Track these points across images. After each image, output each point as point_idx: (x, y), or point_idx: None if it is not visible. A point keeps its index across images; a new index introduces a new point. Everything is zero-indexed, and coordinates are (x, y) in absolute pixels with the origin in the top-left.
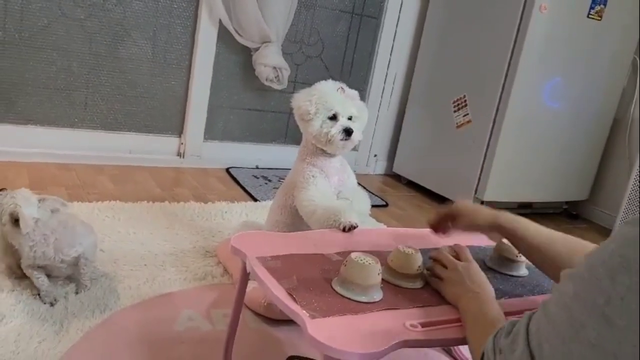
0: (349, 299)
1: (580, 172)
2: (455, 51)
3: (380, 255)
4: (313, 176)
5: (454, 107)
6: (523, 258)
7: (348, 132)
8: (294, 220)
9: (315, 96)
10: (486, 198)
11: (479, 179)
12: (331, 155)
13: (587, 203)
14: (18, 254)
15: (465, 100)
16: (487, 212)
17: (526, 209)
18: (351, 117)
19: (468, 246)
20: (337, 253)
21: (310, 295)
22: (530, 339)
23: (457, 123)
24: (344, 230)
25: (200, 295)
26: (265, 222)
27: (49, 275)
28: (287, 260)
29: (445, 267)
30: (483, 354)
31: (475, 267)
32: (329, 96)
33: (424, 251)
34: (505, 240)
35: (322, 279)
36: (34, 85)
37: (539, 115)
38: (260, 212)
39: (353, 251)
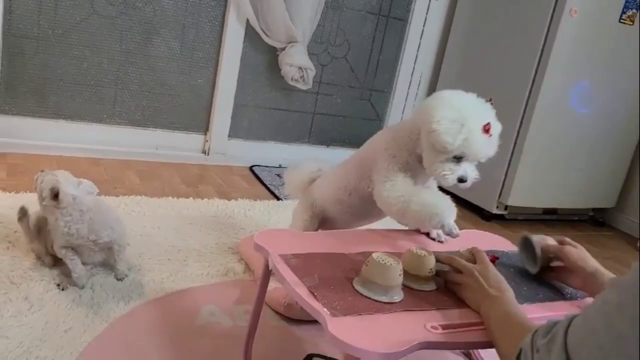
0: (370, 298)
1: (608, 179)
2: (482, 54)
3: (399, 257)
4: (400, 171)
5: None
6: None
7: (461, 181)
8: (365, 205)
9: (462, 136)
10: (510, 203)
11: (504, 183)
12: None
13: (614, 210)
14: (48, 239)
15: (491, 104)
16: (591, 261)
17: (551, 215)
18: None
19: (491, 251)
20: (359, 253)
21: (331, 294)
22: (568, 343)
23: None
24: (443, 232)
25: (221, 291)
26: (320, 193)
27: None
28: (309, 258)
29: (459, 272)
30: (520, 352)
31: (492, 269)
32: (474, 139)
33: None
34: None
35: (343, 278)
36: (66, 81)
37: (566, 120)
38: (283, 211)
39: (374, 251)
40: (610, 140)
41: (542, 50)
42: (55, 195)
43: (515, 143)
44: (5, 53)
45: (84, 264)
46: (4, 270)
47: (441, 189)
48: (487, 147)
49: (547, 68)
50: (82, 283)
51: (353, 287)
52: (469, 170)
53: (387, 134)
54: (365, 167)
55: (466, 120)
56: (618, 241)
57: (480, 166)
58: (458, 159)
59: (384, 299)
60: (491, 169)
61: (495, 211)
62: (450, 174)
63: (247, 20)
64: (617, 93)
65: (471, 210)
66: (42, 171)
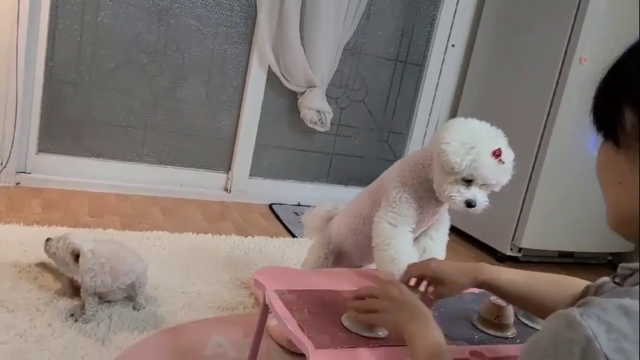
0: (355, 333)
1: None
2: (497, 98)
3: None
4: (407, 202)
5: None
6: None
7: (470, 205)
8: None
9: (470, 158)
10: (524, 245)
11: (517, 224)
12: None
13: (633, 255)
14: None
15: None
16: (465, 270)
17: (568, 259)
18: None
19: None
20: (351, 291)
21: (319, 328)
22: None
23: None
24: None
25: (231, 323)
26: (337, 228)
27: (102, 299)
28: (302, 294)
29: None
30: None
31: (406, 288)
32: (483, 162)
33: None
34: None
35: (333, 314)
36: (99, 122)
37: (580, 163)
38: (297, 248)
39: None
40: None
41: (554, 95)
42: (76, 257)
43: (528, 184)
44: (46, 97)
45: (108, 301)
46: (32, 298)
47: (460, 232)
48: (497, 172)
49: (557, 113)
50: (87, 321)
51: (341, 322)
52: (478, 195)
53: (401, 163)
54: (377, 194)
55: (476, 143)
56: None
57: (493, 206)
58: (468, 182)
59: (369, 334)
60: (504, 209)
61: (509, 253)
62: (458, 195)
63: (269, 66)
64: None
65: (485, 251)
66: (47, 240)
